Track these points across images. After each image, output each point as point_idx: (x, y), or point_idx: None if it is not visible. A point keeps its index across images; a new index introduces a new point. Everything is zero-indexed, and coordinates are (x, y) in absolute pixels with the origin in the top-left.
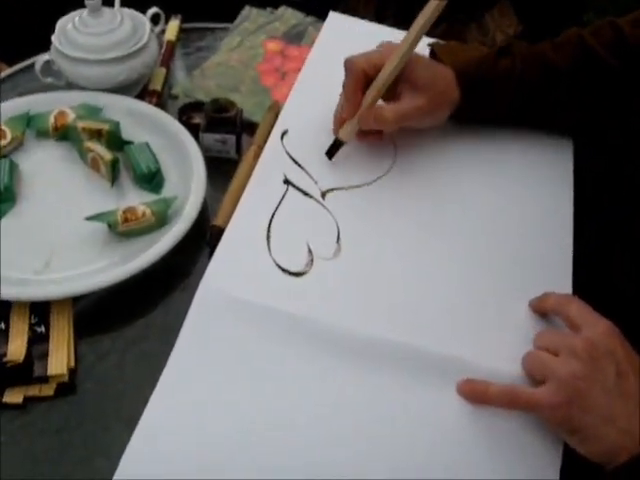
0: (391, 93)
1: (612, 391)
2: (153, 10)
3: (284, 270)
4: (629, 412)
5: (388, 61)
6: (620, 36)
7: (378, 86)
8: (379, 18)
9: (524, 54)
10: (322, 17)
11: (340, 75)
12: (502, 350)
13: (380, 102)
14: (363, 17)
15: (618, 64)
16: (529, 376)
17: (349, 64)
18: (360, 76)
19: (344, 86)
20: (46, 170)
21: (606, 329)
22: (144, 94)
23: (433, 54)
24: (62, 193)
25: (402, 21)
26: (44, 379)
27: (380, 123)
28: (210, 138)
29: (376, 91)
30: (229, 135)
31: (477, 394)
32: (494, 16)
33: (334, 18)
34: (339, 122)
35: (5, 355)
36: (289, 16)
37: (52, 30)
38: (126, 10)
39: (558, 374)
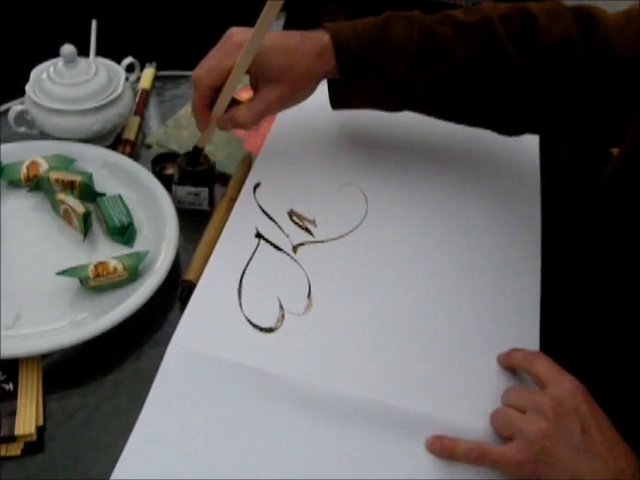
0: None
1: (578, 448)
2: (128, 60)
3: (255, 326)
4: (594, 468)
5: (233, 70)
6: (532, 29)
7: (224, 96)
8: None
9: (423, 27)
10: None
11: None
12: (471, 406)
13: None
14: None
15: (524, 65)
16: (497, 433)
17: (195, 81)
18: (207, 93)
19: (192, 102)
20: (17, 221)
21: (571, 386)
22: (117, 143)
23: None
24: (33, 245)
25: None
26: (11, 439)
27: (238, 126)
28: (183, 191)
29: (221, 101)
30: (202, 188)
31: (446, 450)
32: None
33: None
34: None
35: None
36: None
37: (26, 78)
38: (101, 60)
39: (525, 432)
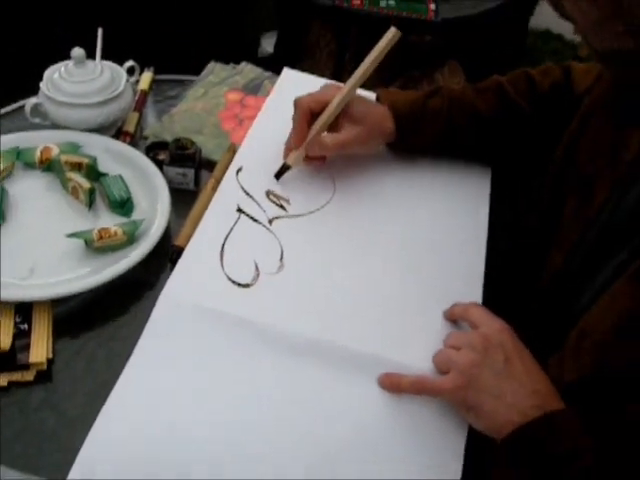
0: (334, 125)
1: (500, 374)
2: (129, 63)
3: (234, 282)
4: (514, 389)
5: (334, 99)
6: (532, 85)
7: (323, 120)
8: (337, 73)
9: (451, 97)
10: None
11: (289, 121)
12: (419, 350)
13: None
14: (323, 72)
15: (530, 109)
16: (437, 370)
17: (298, 102)
18: (307, 112)
19: (293, 120)
20: (32, 196)
21: (499, 326)
22: (119, 134)
23: (378, 99)
24: (46, 215)
25: None
26: (25, 366)
27: (323, 149)
28: (172, 171)
29: (321, 124)
30: (188, 169)
31: (393, 384)
32: (444, 74)
33: (287, 73)
34: (288, 150)
35: None
36: (248, 71)
37: (40, 77)
38: (106, 62)
39: (458, 364)
